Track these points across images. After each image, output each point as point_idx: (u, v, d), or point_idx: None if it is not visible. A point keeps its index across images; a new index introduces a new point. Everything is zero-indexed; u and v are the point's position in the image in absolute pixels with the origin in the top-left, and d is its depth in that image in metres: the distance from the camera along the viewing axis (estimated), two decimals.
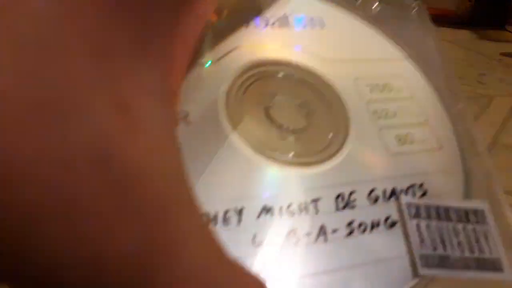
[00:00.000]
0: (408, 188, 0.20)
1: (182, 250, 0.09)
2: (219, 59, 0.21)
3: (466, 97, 0.23)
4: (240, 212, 0.18)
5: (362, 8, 0.26)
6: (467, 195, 0.21)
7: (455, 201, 0.21)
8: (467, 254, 0.19)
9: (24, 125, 0.07)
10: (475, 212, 0.20)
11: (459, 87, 0.24)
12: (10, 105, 0.07)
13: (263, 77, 0.22)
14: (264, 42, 0.23)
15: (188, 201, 0.10)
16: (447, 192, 0.21)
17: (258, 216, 0.18)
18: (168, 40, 0.10)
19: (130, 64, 0.09)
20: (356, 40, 0.26)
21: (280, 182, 0.19)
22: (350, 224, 0.19)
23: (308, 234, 0.18)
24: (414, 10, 0.27)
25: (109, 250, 0.08)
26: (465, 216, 0.20)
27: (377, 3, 0.27)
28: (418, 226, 0.19)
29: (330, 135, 0.21)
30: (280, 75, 0.23)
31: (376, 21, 0.27)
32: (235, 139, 0.20)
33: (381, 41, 0.26)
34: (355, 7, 0.26)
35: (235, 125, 0.20)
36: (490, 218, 0.20)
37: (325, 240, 0.18)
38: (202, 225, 0.10)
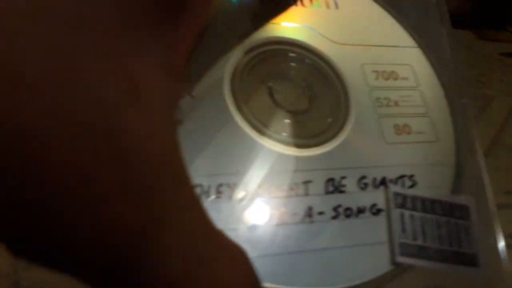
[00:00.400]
0: (398, 178, 0.21)
1: (173, 220, 0.10)
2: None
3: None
4: (232, 187, 0.19)
5: None
6: (456, 190, 0.22)
7: (443, 195, 0.21)
8: (445, 246, 0.20)
9: (37, 92, 0.08)
10: (461, 207, 0.21)
11: (465, 83, 0.25)
12: (30, 73, 0.08)
13: (270, 56, 0.22)
14: (275, 20, 0.23)
15: (181, 174, 0.11)
16: (437, 185, 0.22)
17: (250, 192, 0.19)
18: (177, 16, 0.11)
19: (139, 37, 0.10)
20: (369, 24, 0.26)
21: (274, 162, 0.20)
22: (336, 208, 0.20)
23: (295, 214, 0.19)
24: (434, 1, 0.27)
25: (107, 218, 0.09)
26: (450, 210, 0.21)
27: None
28: (402, 215, 0.20)
29: (329, 119, 0.22)
30: (288, 55, 0.23)
31: (393, 6, 0.27)
32: (236, 116, 0.20)
33: (395, 28, 0.26)
34: None
35: (237, 102, 0.21)
36: (474, 215, 0.21)
37: (311, 221, 0.19)
38: (193, 196, 0.11)
